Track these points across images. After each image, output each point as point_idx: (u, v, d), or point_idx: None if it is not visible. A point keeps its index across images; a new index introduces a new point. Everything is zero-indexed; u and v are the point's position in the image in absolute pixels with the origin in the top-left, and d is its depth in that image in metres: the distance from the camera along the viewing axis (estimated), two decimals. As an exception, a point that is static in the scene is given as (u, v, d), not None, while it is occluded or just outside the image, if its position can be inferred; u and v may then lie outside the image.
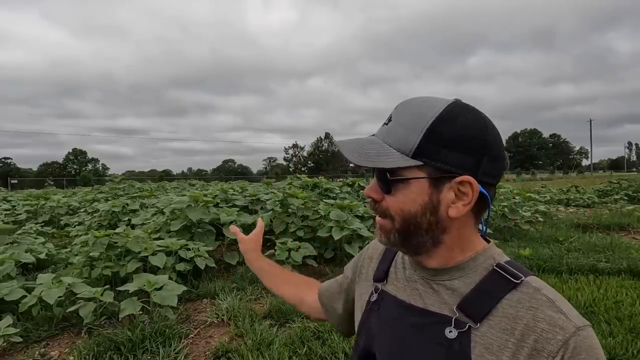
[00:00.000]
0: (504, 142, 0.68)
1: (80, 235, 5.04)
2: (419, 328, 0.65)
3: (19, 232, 6.00)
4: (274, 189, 7.28)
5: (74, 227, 6.90)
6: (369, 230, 4.77)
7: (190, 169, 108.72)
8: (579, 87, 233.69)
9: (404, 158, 0.61)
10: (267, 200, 5.87)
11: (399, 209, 0.64)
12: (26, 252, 4.20)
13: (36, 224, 7.11)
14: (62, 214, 8.55)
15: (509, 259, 0.67)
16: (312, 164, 74.59)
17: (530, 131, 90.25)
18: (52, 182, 36.76)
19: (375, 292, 0.77)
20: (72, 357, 2.67)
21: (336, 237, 4.53)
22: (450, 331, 0.61)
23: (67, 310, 3.15)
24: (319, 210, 5.18)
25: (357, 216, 5.36)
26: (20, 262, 3.84)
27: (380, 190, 0.66)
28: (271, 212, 5.33)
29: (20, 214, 8.38)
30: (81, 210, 8.49)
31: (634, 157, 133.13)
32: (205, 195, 5.64)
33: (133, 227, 5.70)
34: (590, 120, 69.33)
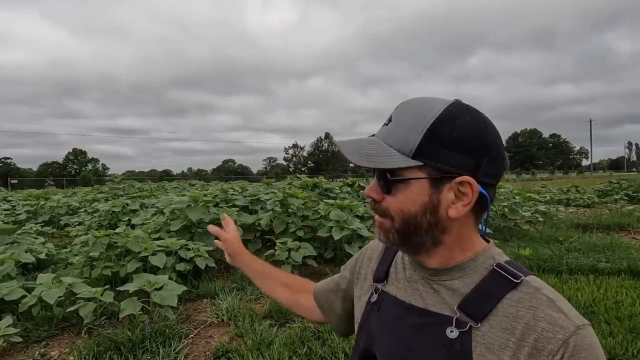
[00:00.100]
0: (504, 142, 0.68)
1: (80, 235, 5.04)
2: (420, 328, 0.65)
3: (19, 232, 6.00)
4: (274, 189, 7.28)
5: (74, 227, 6.90)
6: (369, 230, 4.77)
7: (190, 169, 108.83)
8: (579, 87, 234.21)
9: (404, 158, 0.61)
10: (267, 200, 5.86)
11: (398, 209, 0.64)
12: (26, 252, 4.20)
13: (36, 224, 7.11)
14: (62, 214, 8.55)
15: (508, 258, 0.67)
16: (312, 164, 74.58)
17: (530, 131, 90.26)
18: (52, 182, 36.74)
19: (375, 293, 0.77)
20: (72, 357, 2.67)
21: (336, 237, 4.53)
22: (452, 331, 0.61)
23: (67, 310, 3.15)
24: (319, 210, 5.18)
25: (357, 216, 5.36)
26: (20, 262, 3.84)
27: (381, 190, 0.66)
28: (271, 212, 5.33)
29: (20, 214, 8.38)
30: (81, 210, 8.49)
31: (634, 157, 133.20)
32: (205, 195, 5.65)
33: (133, 227, 5.70)
34: (590, 120, 69.42)
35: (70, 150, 75.54)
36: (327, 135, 76.79)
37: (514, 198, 7.32)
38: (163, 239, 4.50)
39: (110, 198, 9.58)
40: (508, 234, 6.60)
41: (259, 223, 5.17)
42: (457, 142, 0.60)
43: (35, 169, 76.48)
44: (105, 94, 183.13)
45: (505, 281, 0.62)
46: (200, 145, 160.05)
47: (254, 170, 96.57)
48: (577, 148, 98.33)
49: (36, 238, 5.08)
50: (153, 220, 5.52)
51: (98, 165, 78.93)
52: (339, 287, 0.93)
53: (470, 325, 0.61)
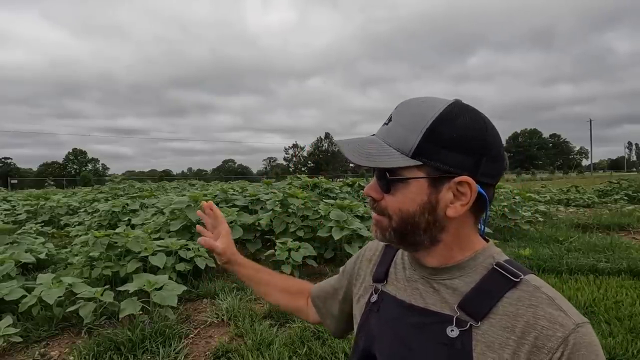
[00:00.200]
0: (504, 142, 0.68)
1: (80, 235, 5.04)
2: (420, 328, 0.65)
3: (19, 232, 6.00)
4: (274, 189, 7.28)
5: (74, 227, 6.90)
6: (369, 230, 4.77)
7: (190, 169, 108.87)
8: (579, 87, 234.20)
9: (403, 158, 0.61)
10: (267, 200, 5.87)
11: (397, 209, 0.64)
12: (26, 252, 4.20)
13: (36, 224, 7.11)
14: (62, 214, 8.55)
15: (507, 258, 0.67)
16: (312, 164, 74.60)
17: (530, 131, 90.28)
18: (52, 182, 36.74)
19: (375, 293, 0.77)
20: (72, 357, 2.67)
21: (336, 237, 4.53)
22: (452, 330, 0.62)
23: (67, 310, 3.15)
24: (319, 210, 5.18)
25: (357, 216, 5.36)
26: (20, 262, 3.84)
27: (380, 189, 0.66)
28: (271, 212, 5.33)
29: (20, 214, 8.38)
30: (81, 210, 8.49)
31: (633, 157, 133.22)
32: (205, 195, 5.65)
33: (133, 227, 5.70)
34: (590, 120, 69.40)
35: (70, 150, 75.65)
36: (327, 135, 76.83)
37: (513, 198, 7.32)
38: (163, 239, 4.51)
39: (110, 198, 9.58)
40: (508, 234, 6.60)
41: (259, 223, 5.17)
42: (456, 142, 0.60)
43: (35, 169, 76.57)
44: (105, 94, 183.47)
45: (505, 280, 0.62)
46: (200, 145, 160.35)
47: (254, 171, 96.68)
48: (577, 148, 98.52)
49: (36, 238, 5.08)
50: (153, 220, 5.52)
51: (98, 165, 78.99)
52: (337, 291, 0.93)
53: (470, 324, 0.61)
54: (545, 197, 11.76)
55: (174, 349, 2.78)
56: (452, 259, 0.67)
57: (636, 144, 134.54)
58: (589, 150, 76.01)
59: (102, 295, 3.08)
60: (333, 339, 2.81)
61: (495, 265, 0.65)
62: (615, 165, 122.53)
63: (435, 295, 0.67)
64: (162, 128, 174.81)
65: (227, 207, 5.54)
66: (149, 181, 24.00)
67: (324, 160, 74.15)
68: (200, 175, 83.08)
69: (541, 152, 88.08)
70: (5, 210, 9.04)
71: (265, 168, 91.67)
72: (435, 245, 0.66)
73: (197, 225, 1.05)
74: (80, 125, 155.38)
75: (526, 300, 0.60)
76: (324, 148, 76.03)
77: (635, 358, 2.59)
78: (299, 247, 4.41)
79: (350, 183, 8.93)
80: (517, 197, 7.42)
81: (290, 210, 5.33)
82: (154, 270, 3.75)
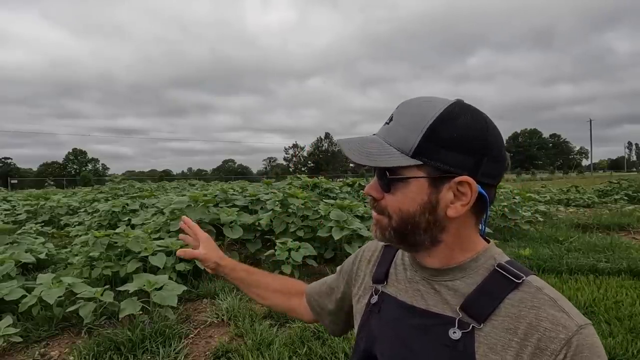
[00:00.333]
0: (504, 142, 0.68)
1: (80, 235, 5.04)
2: (422, 329, 0.65)
3: (19, 232, 6.00)
4: (274, 189, 7.28)
5: (74, 227, 6.90)
6: (369, 230, 4.77)
7: (190, 169, 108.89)
8: (579, 87, 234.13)
9: (403, 157, 0.61)
10: (267, 200, 5.87)
11: (397, 208, 0.64)
12: (26, 252, 4.20)
13: (36, 224, 7.10)
14: (62, 214, 8.55)
15: (509, 258, 0.67)
16: (312, 164, 74.62)
17: (530, 131, 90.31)
18: (52, 182, 36.74)
19: (375, 294, 0.77)
20: (72, 357, 2.67)
21: (336, 237, 4.53)
22: (454, 332, 0.61)
23: (67, 310, 3.15)
24: (319, 210, 5.18)
25: (357, 216, 5.36)
26: (20, 262, 3.84)
27: (381, 189, 0.66)
28: (271, 212, 5.33)
29: (20, 214, 8.37)
30: (81, 210, 8.49)
31: (633, 157, 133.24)
32: (205, 195, 5.65)
33: (133, 227, 5.70)
34: (590, 120, 69.40)
35: (70, 150, 75.66)
36: (327, 135, 76.85)
37: (514, 198, 7.32)
38: (163, 239, 4.50)
39: (110, 198, 9.57)
40: (508, 234, 6.60)
41: (259, 223, 5.17)
42: (457, 141, 0.60)
43: (35, 169, 76.58)
44: (105, 94, 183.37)
45: (506, 281, 0.62)
46: (200, 145, 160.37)
47: (254, 170, 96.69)
48: (577, 148, 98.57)
49: (36, 238, 5.08)
50: (153, 220, 5.52)
51: (98, 165, 79.01)
52: (333, 290, 0.93)
53: (472, 325, 0.61)
54: (545, 197, 11.76)
55: (174, 349, 2.77)
56: (453, 260, 0.66)
57: (636, 144, 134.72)
58: (589, 150, 76.10)
59: (102, 295, 3.08)
60: (333, 339, 2.81)
61: (496, 266, 0.64)
62: (615, 165, 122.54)
63: (437, 297, 0.66)
64: (162, 128, 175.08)
65: (227, 207, 5.54)
66: (149, 181, 23.99)
67: (324, 160, 74.17)
68: (200, 175, 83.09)
69: (541, 152, 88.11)
70: (5, 210, 9.04)
71: (265, 168, 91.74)
72: (435, 245, 0.66)
73: (179, 250, 1.01)
74: (80, 125, 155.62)
75: (528, 301, 0.59)
76: (324, 148, 76.05)
77: (635, 358, 2.59)
78: (299, 247, 4.41)
79: (350, 183, 8.93)
80: (517, 197, 7.42)
81: (290, 210, 5.33)
82: (154, 270, 3.75)
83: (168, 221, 5.08)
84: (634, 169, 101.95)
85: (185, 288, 3.41)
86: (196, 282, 4.16)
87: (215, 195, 6.20)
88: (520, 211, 6.98)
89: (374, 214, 0.69)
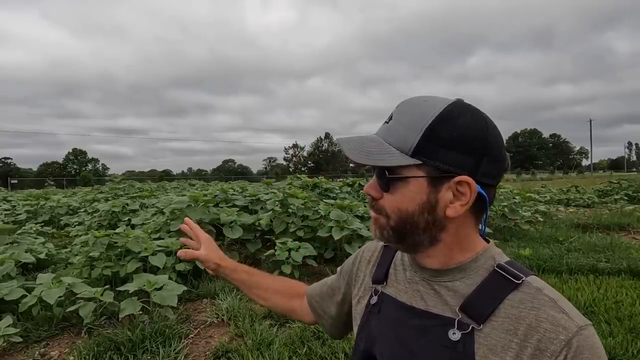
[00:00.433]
0: (504, 142, 0.67)
1: (80, 235, 5.04)
2: (421, 330, 0.65)
3: (19, 232, 5.99)
4: (274, 189, 7.28)
5: (74, 227, 6.90)
6: (369, 230, 4.76)
7: (190, 169, 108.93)
8: (579, 87, 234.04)
9: (403, 156, 0.61)
10: (267, 200, 5.87)
11: (396, 208, 0.64)
12: (26, 252, 4.20)
13: (36, 224, 7.10)
14: (62, 214, 8.54)
15: (509, 259, 0.67)
16: (312, 164, 74.63)
17: (530, 131, 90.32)
18: (52, 182, 36.75)
19: (375, 295, 0.77)
20: (72, 357, 2.67)
21: (336, 237, 4.53)
22: (454, 333, 0.61)
23: (67, 310, 3.15)
24: (319, 210, 5.18)
25: (357, 216, 5.36)
26: (20, 262, 3.84)
27: (380, 188, 0.66)
28: (271, 212, 5.33)
29: (20, 214, 8.37)
30: (81, 210, 8.49)
31: (633, 157, 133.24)
32: (205, 195, 5.64)
33: (133, 227, 5.69)
34: (590, 120, 69.40)
35: (70, 150, 75.70)
36: (327, 135, 76.85)
37: (514, 198, 7.32)
38: (163, 239, 4.50)
39: (110, 198, 9.57)
40: (508, 234, 6.60)
41: (259, 223, 5.17)
42: (456, 141, 0.60)
43: (35, 169, 76.61)
44: (105, 94, 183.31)
45: (506, 282, 0.62)
46: (200, 145, 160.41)
47: (254, 170, 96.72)
48: (577, 148, 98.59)
49: (36, 238, 5.08)
50: (153, 220, 5.52)
51: (98, 165, 79.03)
52: (334, 291, 0.92)
53: (472, 326, 0.61)
54: (545, 197, 11.76)
55: (174, 349, 2.77)
56: (452, 260, 0.66)
57: (636, 144, 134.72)
58: (589, 150, 76.10)
59: (102, 295, 3.08)
60: (333, 339, 2.81)
61: (496, 266, 0.64)
62: (615, 165, 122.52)
63: (436, 298, 0.66)
64: (162, 128, 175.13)
65: (227, 207, 5.54)
66: (149, 181, 23.98)
67: (324, 160, 74.18)
68: (200, 175, 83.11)
69: (541, 152, 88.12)
70: (5, 210, 9.03)
71: (265, 168, 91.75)
72: (435, 245, 0.66)
73: (179, 252, 1.01)
74: (80, 125, 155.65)
75: (528, 302, 0.59)
76: (324, 148, 76.06)
77: (635, 358, 2.59)
78: (299, 247, 4.41)
79: (350, 183, 8.93)
80: (517, 197, 7.42)
81: (290, 210, 5.33)
82: (154, 270, 3.75)
83: (168, 221, 5.08)
84: (634, 169, 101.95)
85: (185, 288, 3.41)
86: (196, 282, 4.16)
87: (215, 195, 6.20)
88: (520, 211, 6.97)
89: (372, 213, 0.69)
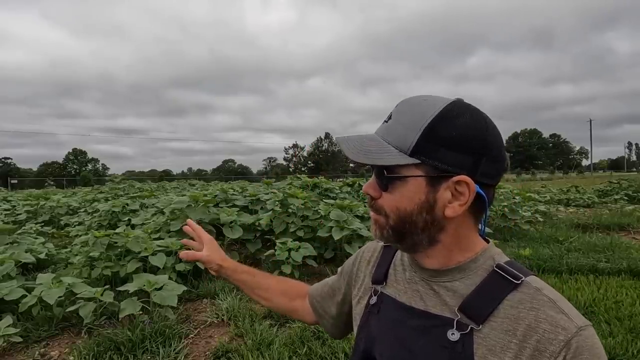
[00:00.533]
0: (504, 142, 0.67)
1: (80, 235, 5.04)
2: (421, 330, 0.65)
3: (19, 232, 5.99)
4: (274, 189, 7.28)
5: (74, 227, 6.90)
6: (369, 230, 4.77)
7: (190, 169, 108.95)
8: (579, 87, 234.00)
9: (401, 156, 0.61)
10: (267, 200, 5.87)
11: (395, 207, 0.64)
12: (26, 252, 4.20)
13: (36, 224, 7.10)
14: (62, 214, 8.55)
15: (508, 259, 0.67)
16: (312, 164, 74.64)
17: (530, 131, 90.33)
18: (52, 182, 36.76)
19: (375, 295, 0.77)
20: (72, 357, 2.67)
21: (336, 237, 4.53)
22: (453, 333, 0.61)
23: (67, 310, 3.15)
24: (319, 210, 5.18)
25: (357, 216, 5.37)
26: (20, 262, 3.84)
27: (378, 187, 0.66)
28: (271, 212, 5.33)
29: (20, 214, 8.38)
30: (81, 210, 8.49)
31: (633, 157, 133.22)
32: (205, 195, 5.65)
33: (133, 227, 5.70)
34: (590, 121, 69.39)
35: (70, 150, 75.72)
36: (327, 135, 76.88)
37: (514, 198, 7.32)
38: (163, 239, 4.50)
39: (110, 198, 9.57)
40: (508, 234, 6.60)
41: (259, 223, 5.17)
42: (455, 141, 0.60)
43: (35, 169, 76.64)
44: (105, 94, 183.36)
45: (505, 282, 0.62)
46: (200, 145, 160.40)
47: (254, 170, 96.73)
48: (577, 148, 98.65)
49: (36, 238, 5.08)
50: (153, 220, 5.52)
51: (98, 165, 79.05)
52: (335, 292, 0.92)
53: (471, 327, 0.60)
54: (545, 197, 11.76)
55: (174, 349, 2.77)
56: (452, 261, 0.66)
57: (636, 144, 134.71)
58: (589, 150, 76.11)
59: (102, 295, 3.08)
60: (333, 339, 2.81)
61: (495, 267, 0.64)
62: (615, 165, 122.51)
63: (436, 298, 0.66)
64: (162, 128, 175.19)
65: (227, 207, 5.54)
66: (149, 181, 23.99)
67: (324, 160, 74.19)
68: (200, 175, 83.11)
69: (541, 152, 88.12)
70: (5, 210, 9.03)
71: (265, 168, 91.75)
72: (434, 245, 0.66)
73: (181, 253, 1.00)
74: (80, 125, 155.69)
75: (527, 302, 0.59)
76: (324, 148, 76.07)
77: (635, 358, 2.59)
78: (299, 247, 4.41)
79: (350, 183, 8.93)
80: (517, 197, 7.42)
81: (290, 210, 5.33)
82: (154, 270, 3.75)
83: (168, 221, 5.08)
84: (634, 169, 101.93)
85: (185, 288, 3.41)
86: (196, 282, 4.16)
87: (215, 195, 6.20)
88: (520, 211, 6.97)
89: (372, 213, 0.69)
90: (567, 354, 0.54)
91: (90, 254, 3.90)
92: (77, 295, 3.10)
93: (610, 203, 11.46)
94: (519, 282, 0.61)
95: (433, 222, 0.63)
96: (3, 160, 74.17)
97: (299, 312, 1.01)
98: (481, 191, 0.62)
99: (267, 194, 6.51)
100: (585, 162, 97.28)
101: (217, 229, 5.07)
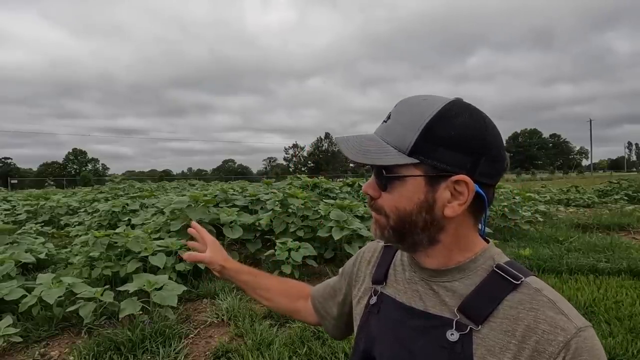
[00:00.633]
0: (504, 142, 0.67)
1: (80, 235, 5.04)
2: (420, 331, 0.65)
3: (19, 232, 6.00)
4: (274, 189, 7.28)
5: (74, 227, 6.90)
6: (369, 230, 4.77)
7: (190, 169, 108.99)
8: (579, 87, 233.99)
9: (400, 155, 0.61)
10: (267, 200, 5.87)
11: (394, 207, 0.64)
12: (26, 252, 4.20)
13: (36, 224, 7.11)
14: (62, 214, 8.55)
15: (508, 259, 0.67)
16: (312, 164, 74.65)
17: (530, 131, 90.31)
18: (52, 182, 36.77)
19: (375, 295, 0.77)
20: (72, 357, 2.67)
21: (336, 237, 4.53)
22: (452, 334, 0.61)
23: (67, 310, 3.15)
24: (319, 210, 5.18)
25: (357, 216, 5.36)
26: (20, 262, 3.84)
27: (378, 187, 0.66)
28: (271, 212, 5.33)
29: (20, 214, 8.38)
30: (81, 210, 8.49)
31: (633, 157, 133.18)
32: (205, 195, 5.64)
33: (133, 227, 5.70)
34: (590, 121, 69.37)
35: (70, 150, 75.74)
36: (327, 135, 76.90)
37: (514, 198, 7.32)
38: (163, 239, 4.50)
39: (110, 198, 9.57)
40: (508, 234, 6.60)
41: (259, 223, 5.17)
42: (454, 140, 0.59)
43: (35, 169, 76.66)
44: (105, 94, 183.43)
45: (505, 283, 0.62)
46: (200, 145, 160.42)
47: (254, 170, 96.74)
48: (577, 148, 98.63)
49: (36, 238, 5.08)
50: (153, 220, 5.52)
51: (98, 165, 79.08)
52: (336, 292, 0.93)
53: (470, 327, 0.60)
54: (545, 197, 11.76)
55: (174, 349, 2.77)
56: (451, 261, 0.66)
57: (636, 144, 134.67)
58: (589, 150, 76.09)
59: (102, 295, 3.08)
60: (333, 340, 2.81)
61: (495, 267, 0.64)
62: (615, 165, 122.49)
63: (435, 298, 0.66)
64: (162, 128, 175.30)
65: (227, 207, 5.54)
66: (149, 181, 23.99)
67: (324, 160, 74.19)
68: (200, 175, 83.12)
69: (541, 152, 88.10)
70: (5, 210, 9.04)
71: (265, 168, 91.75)
72: (434, 245, 0.66)
73: (185, 254, 1.00)
74: (80, 125, 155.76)
75: (527, 303, 0.59)
76: (324, 148, 76.08)
77: (635, 358, 2.59)
78: (299, 247, 4.41)
79: (350, 183, 8.93)
80: (517, 197, 7.42)
81: (290, 210, 5.33)
82: (154, 270, 3.75)
83: (168, 221, 5.08)
84: (634, 169, 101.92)
85: (185, 288, 3.41)
86: (196, 282, 4.16)
87: (215, 195, 6.20)
88: (520, 211, 6.97)
89: (373, 214, 0.69)
90: (567, 355, 0.54)
91: (90, 254, 3.90)
92: (77, 295, 3.10)
93: (610, 203, 11.46)
94: (519, 282, 0.61)
95: (433, 221, 0.63)
96: (3, 160, 74.21)
97: (301, 312, 1.01)
98: (481, 191, 0.61)
99: (267, 194, 6.51)
100: (585, 162, 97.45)
101: (217, 229, 5.07)
